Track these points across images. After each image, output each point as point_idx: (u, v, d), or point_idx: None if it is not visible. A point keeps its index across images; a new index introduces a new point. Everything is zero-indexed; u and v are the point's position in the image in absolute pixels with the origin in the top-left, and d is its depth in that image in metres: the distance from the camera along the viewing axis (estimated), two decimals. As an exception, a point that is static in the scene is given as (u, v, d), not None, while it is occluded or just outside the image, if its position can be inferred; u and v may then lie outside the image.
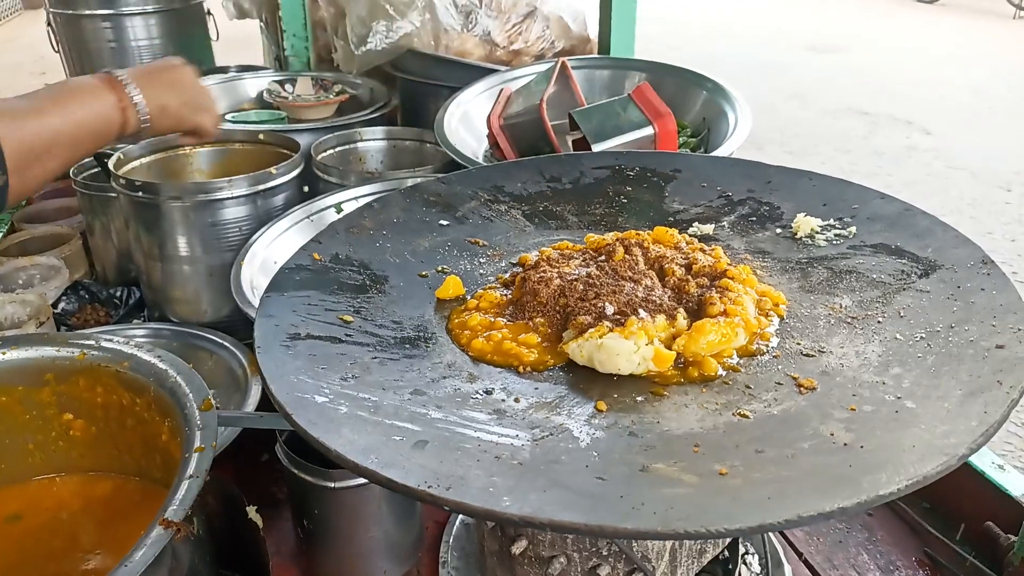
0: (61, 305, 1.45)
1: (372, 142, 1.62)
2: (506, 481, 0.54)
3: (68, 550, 0.82)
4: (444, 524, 1.07)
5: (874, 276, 0.80)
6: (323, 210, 1.31)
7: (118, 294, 1.49)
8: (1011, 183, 4.80)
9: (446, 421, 0.63)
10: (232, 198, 1.29)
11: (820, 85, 6.84)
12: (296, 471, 0.90)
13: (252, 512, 0.83)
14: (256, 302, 1.09)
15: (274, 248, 1.22)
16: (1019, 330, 0.65)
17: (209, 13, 2.36)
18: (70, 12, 2.14)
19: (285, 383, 0.65)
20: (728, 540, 0.86)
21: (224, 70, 2.32)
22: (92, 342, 0.83)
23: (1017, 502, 1.00)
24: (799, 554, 1.05)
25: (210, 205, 1.29)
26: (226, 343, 1.28)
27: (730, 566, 0.95)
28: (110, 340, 0.84)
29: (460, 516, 1.06)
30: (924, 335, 0.69)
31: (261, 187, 1.31)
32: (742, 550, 0.98)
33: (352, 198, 1.34)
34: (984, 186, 4.78)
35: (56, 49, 2.23)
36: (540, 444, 0.60)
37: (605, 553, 0.78)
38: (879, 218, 0.89)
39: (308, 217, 1.29)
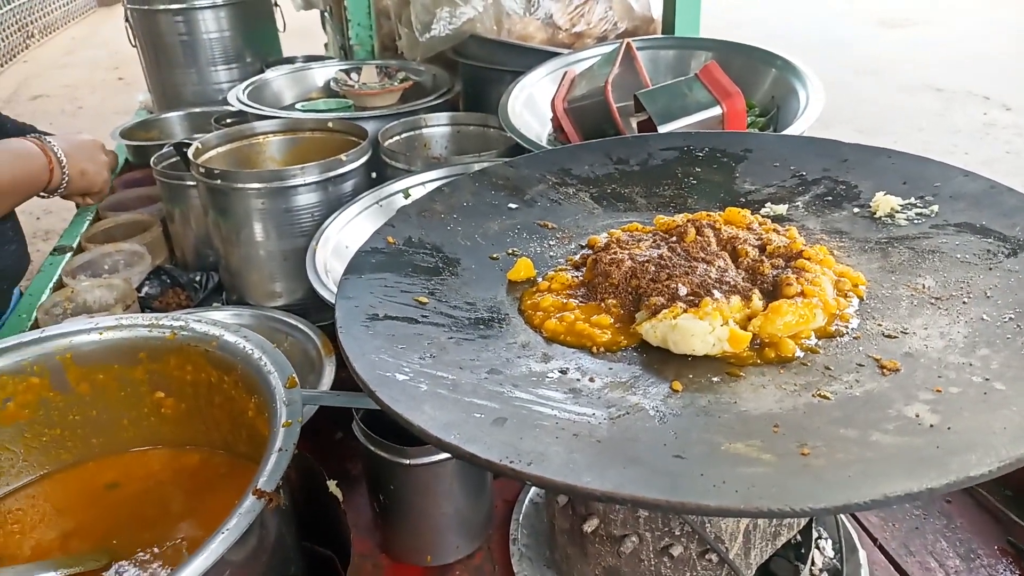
0: (145, 289, 1.52)
1: (436, 128, 1.64)
2: (585, 458, 0.55)
3: (161, 517, 0.87)
4: (513, 503, 1.09)
5: (959, 256, 0.78)
6: (391, 195, 1.34)
7: (197, 278, 1.55)
8: (1100, 159, 4.54)
9: (523, 399, 0.64)
10: (304, 185, 1.33)
11: (892, 61, 6.60)
12: (372, 448, 0.93)
13: (332, 486, 0.86)
14: (330, 285, 1.13)
15: (346, 232, 1.25)
16: (1118, 310, 0.63)
17: (276, 4, 2.41)
18: (145, 7, 2.22)
19: (367, 362, 0.67)
20: (803, 524, 0.85)
21: (291, 60, 2.38)
22: (182, 323, 0.87)
23: (1109, 491, 0.96)
24: (874, 540, 1.03)
25: (284, 192, 1.33)
26: (301, 325, 1.32)
27: (803, 550, 0.95)
28: (198, 321, 0.88)
29: (529, 495, 1.08)
30: (1013, 316, 0.67)
31: (331, 174, 1.34)
32: (815, 534, 0.97)
33: (419, 183, 1.36)
34: (1070, 163, 4.54)
35: (133, 43, 2.32)
36: (617, 423, 0.61)
37: (678, 533, 0.79)
38: (963, 196, 0.86)
39: (377, 203, 1.32)
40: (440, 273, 0.86)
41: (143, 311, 1.47)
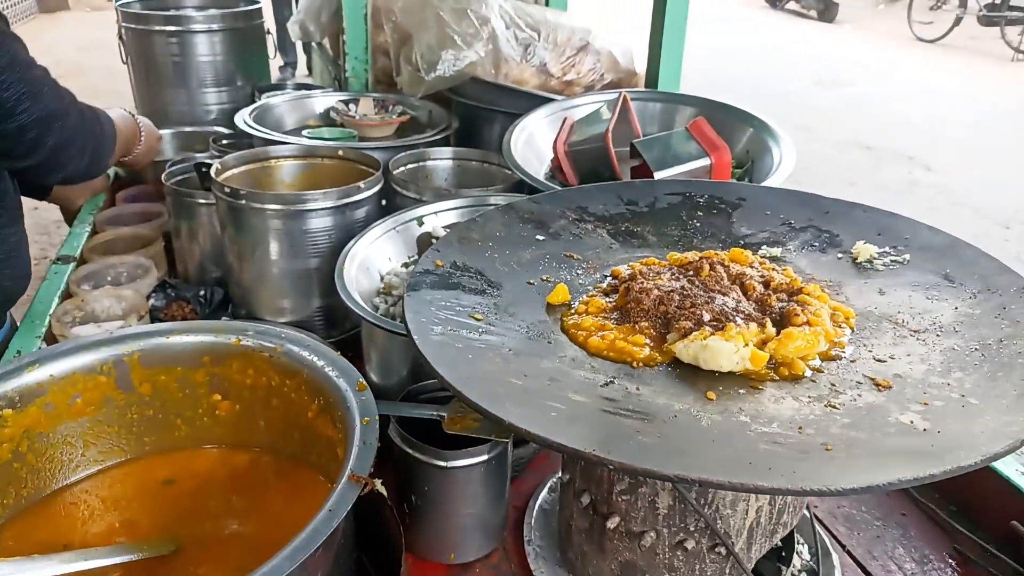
0: (151, 301, 1.56)
1: (440, 161, 1.75)
2: (651, 450, 0.67)
3: (215, 514, 0.93)
4: (523, 510, 1.19)
5: (930, 296, 0.93)
6: (407, 223, 1.44)
7: (202, 293, 1.60)
8: (1010, 221, 4.98)
9: (585, 403, 0.75)
10: (323, 208, 1.41)
11: (827, 119, 7.05)
12: (410, 451, 1.01)
13: (378, 484, 0.94)
14: (357, 298, 1.21)
15: (369, 252, 1.34)
16: (1060, 344, 0.78)
17: (268, 32, 2.49)
18: (142, 27, 2.27)
19: (447, 367, 0.77)
20: (795, 522, 0.97)
21: (281, 86, 2.46)
22: (248, 331, 0.95)
23: (1040, 504, 1.13)
24: (842, 546, 1.17)
25: (303, 214, 1.41)
26: (313, 338, 1.39)
27: (784, 554, 1.08)
28: (260, 329, 0.96)
29: (539, 502, 1.18)
30: (978, 347, 0.82)
31: (349, 200, 1.43)
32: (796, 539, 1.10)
33: (432, 212, 1.46)
34: (985, 222, 4.95)
35: (124, 60, 2.35)
36: (669, 423, 0.72)
37: (692, 529, 0.90)
38: (929, 248, 1.02)
39: (394, 228, 1.41)
40: (486, 294, 0.97)
41: (152, 322, 1.51)
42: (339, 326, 1.53)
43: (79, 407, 0.92)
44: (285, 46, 6.93)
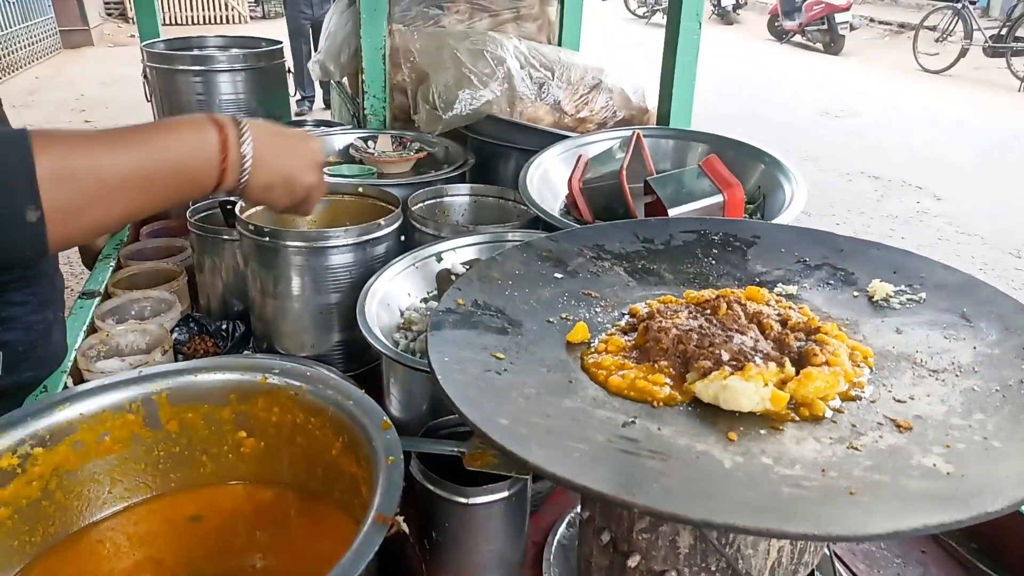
0: (174, 335, 1.59)
1: (457, 197, 1.78)
2: (676, 492, 0.67)
3: (242, 550, 0.95)
4: (541, 545, 1.19)
5: (948, 336, 0.94)
6: (426, 259, 1.46)
7: (224, 327, 1.63)
8: (1021, 249, 4.96)
9: (609, 443, 0.76)
10: (345, 245, 1.44)
11: (833, 149, 7.09)
12: (431, 487, 1.02)
13: (400, 522, 0.95)
14: (378, 333, 1.23)
15: (389, 288, 1.36)
16: (1080, 386, 0.79)
17: (289, 71, 2.55)
18: (166, 67, 2.33)
19: (471, 407, 0.78)
20: (816, 561, 0.97)
21: (301, 123, 2.51)
22: (274, 369, 0.96)
23: (1062, 543, 1.12)
24: (863, 585, 1.17)
25: (324, 251, 1.44)
26: (333, 374, 1.41)
27: (805, 591, 1.07)
28: (286, 367, 0.97)
29: (557, 538, 1.18)
30: (999, 388, 0.83)
31: (369, 236, 1.46)
32: (816, 577, 1.10)
33: (450, 248, 1.49)
34: (995, 252, 4.94)
35: (148, 99, 2.41)
36: (691, 465, 0.73)
37: (713, 569, 0.90)
38: (945, 286, 1.03)
39: (414, 264, 1.44)
40: (507, 333, 0.98)
41: (176, 357, 1.54)
42: (359, 360, 1.54)
43: (107, 445, 0.94)
44: (303, 81, 7.07)
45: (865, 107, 8.65)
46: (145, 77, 2.38)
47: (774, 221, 1.49)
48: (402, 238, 1.59)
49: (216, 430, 0.99)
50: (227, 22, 14.33)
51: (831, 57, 11.98)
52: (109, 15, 14.14)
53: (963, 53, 10.38)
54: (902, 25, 12.95)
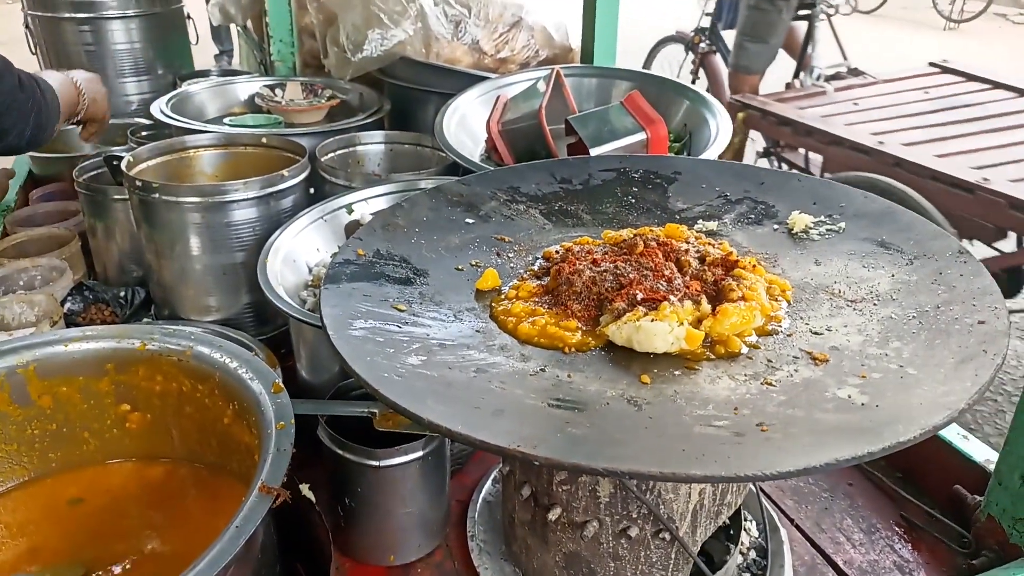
0: (67, 305, 1.47)
1: (371, 146, 1.68)
2: (582, 442, 0.63)
3: (130, 531, 0.87)
4: (466, 504, 1.14)
5: (867, 265, 0.91)
6: (335, 211, 1.37)
7: (122, 294, 1.51)
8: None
9: (515, 394, 0.71)
10: (245, 199, 1.34)
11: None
12: (340, 451, 0.96)
13: (305, 489, 0.89)
14: (282, 294, 1.14)
15: (294, 245, 1.28)
16: (996, 308, 0.76)
17: (189, 17, 2.37)
18: (49, 15, 2.14)
19: (364, 363, 0.71)
20: (740, 501, 0.95)
21: (205, 74, 2.34)
22: (154, 334, 0.88)
23: (981, 467, 1.13)
24: (791, 520, 1.16)
25: (224, 206, 1.33)
26: (243, 339, 1.32)
27: (732, 532, 1.06)
28: (168, 331, 0.89)
29: (482, 495, 1.14)
30: (915, 315, 0.80)
31: (272, 189, 1.36)
32: (743, 517, 1.08)
33: (362, 199, 1.40)
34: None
35: (33, 51, 2.22)
36: (600, 411, 0.69)
37: (635, 516, 0.87)
38: (865, 215, 1.00)
39: (322, 217, 1.35)
40: (412, 283, 0.92)
41: (68, 327, 1.42)
42: (271, 322, 1.45)
43: (-33, 426, 0.84)
44: (219, 34, 6.70)
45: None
46: (27, 27, 2.18)
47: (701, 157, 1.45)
48: (311, 191, 1.49)
49: (96, 404, 0.90)
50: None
51: None
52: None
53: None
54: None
